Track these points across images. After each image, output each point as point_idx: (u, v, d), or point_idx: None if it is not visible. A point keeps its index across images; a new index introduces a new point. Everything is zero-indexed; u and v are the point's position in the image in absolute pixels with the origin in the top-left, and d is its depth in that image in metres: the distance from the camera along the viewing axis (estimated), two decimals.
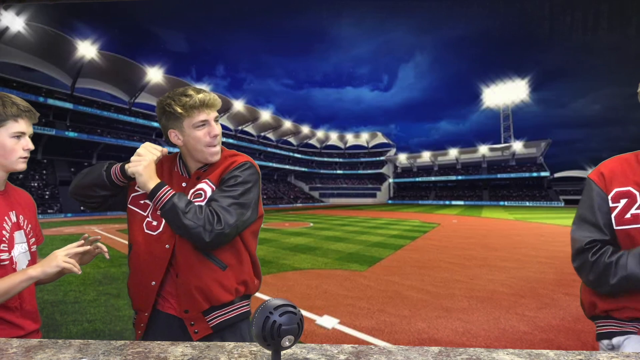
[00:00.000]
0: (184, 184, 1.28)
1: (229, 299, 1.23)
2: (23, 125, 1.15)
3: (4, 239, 1.11)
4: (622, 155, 1.16)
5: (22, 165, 1.17)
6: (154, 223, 1.24)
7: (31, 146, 1.18)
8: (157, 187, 1.15)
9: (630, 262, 1.02)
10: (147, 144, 1.22)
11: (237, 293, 1.25)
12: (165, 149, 1.25)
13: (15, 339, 0.89)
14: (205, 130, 1.21)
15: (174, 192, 1.15)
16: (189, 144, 1.23)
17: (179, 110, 1.17)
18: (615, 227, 1.09)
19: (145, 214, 1.26)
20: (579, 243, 1.13)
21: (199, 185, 1.25)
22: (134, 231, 1.26)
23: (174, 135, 1.23)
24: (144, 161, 1.16)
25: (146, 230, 1.24)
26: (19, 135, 1.15)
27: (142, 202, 1.27)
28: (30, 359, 0.76)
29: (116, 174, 1.23)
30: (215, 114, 1.24)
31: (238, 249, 1.25)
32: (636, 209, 1.07)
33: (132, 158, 1.18)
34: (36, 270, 1.05)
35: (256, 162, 1.31)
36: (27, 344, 0.84)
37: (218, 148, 1.25)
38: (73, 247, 1.12)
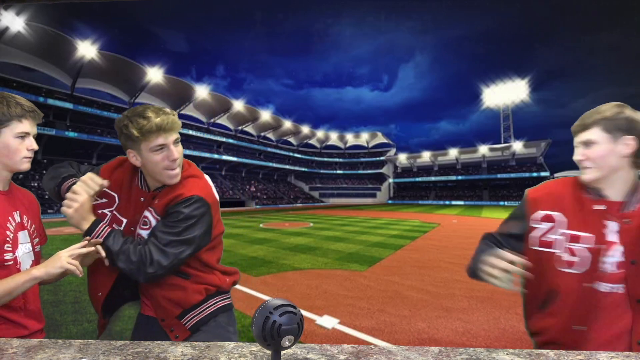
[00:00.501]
0: (142, 199, 1.27)
1: (198, 300, 1.25)
2: (27, 126, 1.16)
3: (7, 239, 1.11)
4: (563, 179, 1.19)
5: (26, 165, 1.18)
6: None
7: (35, 146, 1.19)
8: (91, 228, 1.16)
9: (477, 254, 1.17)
10: (86, 177, 1.19)
11: (208, 292, 1.27)
12: (105, 183, 1.22)
13: (16, 339, 0.89)
14: (163, 155, 1.18)
15: (108, 232, 1.15)
16: (147, 165, 1.21)
17: (135, 133, 1.14)
18: (530, 247, 1.15)
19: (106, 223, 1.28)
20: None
21: (146, 213, 1.25)
22: None
23: (132, 156, 1.21)
24: (75, 203, 1.15)
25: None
26: (23, 136, 1.15)
27: (99, 211, 1.27)
28: (31, 359, 0.76)
29: (64, 194, 1.23)
30: (175, 136, 1.20)
31: (198, 260, 1.27)
32: (557, 234, 1.10)
33: (67, 195, 1.17)
34: (40, 271, 1.06)
35: (210, 186, 1.29)
36: (27, 344, 0.84)
37: (177, 171, 1.22)
38: (77, 248, 1.12)
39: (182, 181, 1.25)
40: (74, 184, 1.20)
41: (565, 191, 1.14)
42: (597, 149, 1.03)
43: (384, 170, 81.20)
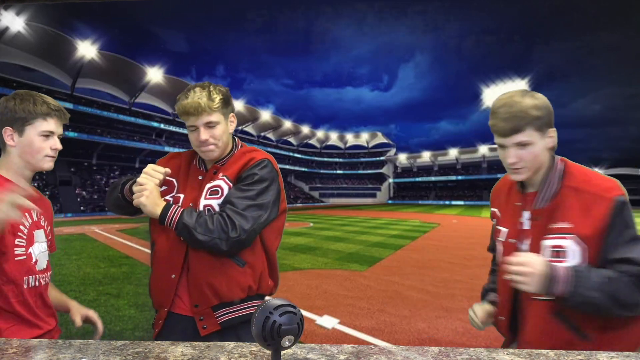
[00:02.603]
0: (200, 177, 1.30)
1: (240, 297, 1.21)
2: (52, 125, 1.16)
3: (19, 233, 1.10)
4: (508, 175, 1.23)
5: (49, 165, 1.18)
6: None
7: (59, 146, 1.19)
8: (164, 212, 1.15)
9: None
10: (148, 168, 1.21)
11: (250, 291, 1.23)
12: (168, 170, 1.24)
13: (15, 339, 0.89)
14: (195, 135, 1.22)
15: (182, 211, 1.15)
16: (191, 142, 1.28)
17: (177, 111, 1.23)
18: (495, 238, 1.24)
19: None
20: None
21: (216, 182, 1.25)
22: (155, 228, 1.28)
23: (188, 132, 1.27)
24: (145, 191, 1.16)
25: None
26: (48, 135, 1.15)
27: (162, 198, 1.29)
28: (31, 359, 0.76)
29: (128, 195, 1.25)
30: (206, 119, 1.20)
31: (256, 246, 1.25)
32: (498, 225, 1.20)
33: (135, 188, 1.18)
34: None
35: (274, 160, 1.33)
36: (27, 344, 0.84)
37: (211, 147, 1.24)
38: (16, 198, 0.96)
39: (244, 152, 1.31)
40: (135, 181, 1.23)
41: (504, 187, 1.22)
42: (532, 150, 1.01)
43: (384, 170, 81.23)
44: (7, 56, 32.53)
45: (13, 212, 0.94)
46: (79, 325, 1.24)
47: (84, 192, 34.30)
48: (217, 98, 1.21)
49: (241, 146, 1.36)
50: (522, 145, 1.02)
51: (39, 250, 1.16)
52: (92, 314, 1.28)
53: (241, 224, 1.13)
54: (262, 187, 1.20)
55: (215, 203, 1.22)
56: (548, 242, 1.00)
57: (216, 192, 1.24)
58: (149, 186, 1.17)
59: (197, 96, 1.18)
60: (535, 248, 1.03)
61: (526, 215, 1.07)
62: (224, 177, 1.25)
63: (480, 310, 1.23)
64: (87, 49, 34.54)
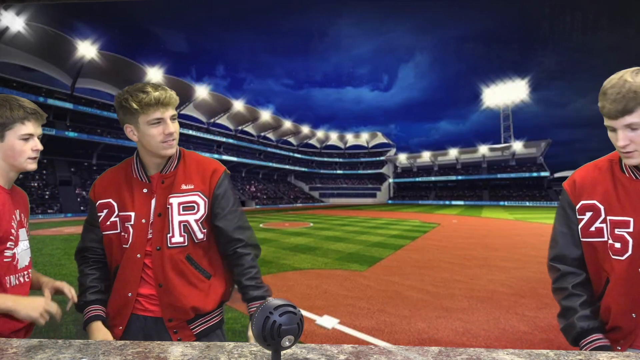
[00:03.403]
0: (145, 190, 1.25)
1: (213, 308, 1.26)
2: (31, 127, 1.17)
3: (11, 237, 1.13)
4: (596, 162, 1.14)
5: (32, 166, 1.20)
6: (125, 235, 1.23)
7: (40, 147, 1.20)
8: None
9: (577, 322, 1.07)
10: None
11: (221, 299, 1.30)
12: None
13: (15, 339, 0.89)
14: (159, 129, 1.19)
15: (264, 301, 1.15)
16: (143, 140, 1.21)
17: (135, 106, 1.16)
18: (581, 239, 1.11)
19: (118, 231, 1.25)
20: (551, 271, 1.18)
21: (192, 198, 1.24)
22: (113, 254, 1.25)
23: (129, 130, 1.22)
24: None
25: (123, 246, 1.24)
26: (27, 137, 1.17)
27: (108, 223, 1.25)
28: (31, 359, 0.76)
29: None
30: (172, 112, 1.21)
31: (216, 257, 1.30)
32: (600, 222, 1.07)
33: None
34: (17, 309, 1.06)
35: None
36: (27, 344, 0.84)
37: (173, 144, 1.23)
38: (53, 307, 1.13)
39: (202, 159, 1.33)
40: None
41: (602, 176, 1.10)
42: None
43: (384, 170, 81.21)
44: (7, 56, 32.53)
45: (42, 318, 1.09)
46: (48, 297, 1.21)
47: (84, 192, 34.28)
48: (175, 94, 1.23)
49: (180, 151, 1.32)
50: (633, 127, 0.97)
51: (22, 249, 1.19)
52: (63, 285, 1.26)
53: (255, 242, 1.32)
54: (237, 201, 1.34)
55: (192, 219, 1.23)
56: None
57: (192, 208, 1.24)
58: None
59: (163, 89, 1.19)
60: None
61: None
62: (199, 193, 1.25)
63: None
64: (87, 49, 34.54)
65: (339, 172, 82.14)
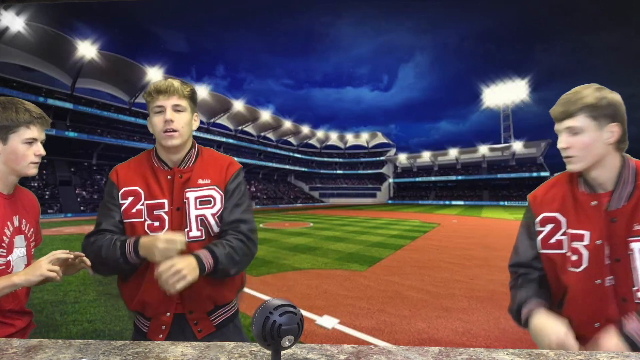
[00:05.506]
0: (169, 177, 1.26)
1: (231, 298, 1.28)
2: (35, 132, 1.17)
3: (3, 244, 1.11)
4: (560, 176, 1.17)
5: (33, 171, 1.19)
6: (156, 224, 1.20)
7: (42, 152, 1.20)
8: (200, 266, 1.09)
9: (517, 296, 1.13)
10: (163, 243, 1.07)
11: (238, 290, 1.32)
12: (184, 239, 1.11)
13: (16, 339, 0.89)
14: (161, 117, 1.20)
15: (212, 258, 1.12)
16: (151, 129, 1.25)
17: (146, 95, 1.23)
18: (539, 250, 1.13)
19: (143, 220, 1.21)
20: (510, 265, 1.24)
21: (208, 192, 1.24)
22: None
23: (149, 120, 1.27)
24: (183, 272, 1.04)
25: (151, 234, 1.19)
26: (31, 142, 1.16)
27: (134, 210, 1.22)
28: (30, 359, 0.76)
29: (132, 256, 1.13)
30: (175, 101, 1.20)
31: None
32: (561, 234, 1.09)
33: (162, 278, 1.03)
34: (20, 278, 1.03)
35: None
36: (27, 344, 0.84)
37: (174, 133, 1.20)
38: (57, 254, 1.08)
39: (221, 156, 1.34)
40: (138, 242, 1.12)
41: (563, 189, 1.13)
42: (583, 138, 0.99)
43: (384, 170, 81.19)
44: (7, 56, 32.51)
45: (52, 272, 1.04)
46: (45, 258, 1.10)
47: (84, 192, 34.28)
48: (189, 88, 1.26)
49: (198, 148, 1.33)
50: (573, 131, 0.99)
51: (17, 256, 1.17)
52: (53, 253, 1.11)
53: (255, 238, 1.25)
54: (246, 194, 1.33)
55: (208, 213, 1.23)
56: (637, 245, 0.97)
57: (208, 202, 1.24)
58: (181, 265, 1.05)
59: (171, 80, 1.23)
60: (623, 248, 0.99)
61: (606, 215, 1.02)
62: (215, 187, 1.26)
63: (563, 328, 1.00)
64: (87, 49, 34.52)
65: (339, 172, 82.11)
